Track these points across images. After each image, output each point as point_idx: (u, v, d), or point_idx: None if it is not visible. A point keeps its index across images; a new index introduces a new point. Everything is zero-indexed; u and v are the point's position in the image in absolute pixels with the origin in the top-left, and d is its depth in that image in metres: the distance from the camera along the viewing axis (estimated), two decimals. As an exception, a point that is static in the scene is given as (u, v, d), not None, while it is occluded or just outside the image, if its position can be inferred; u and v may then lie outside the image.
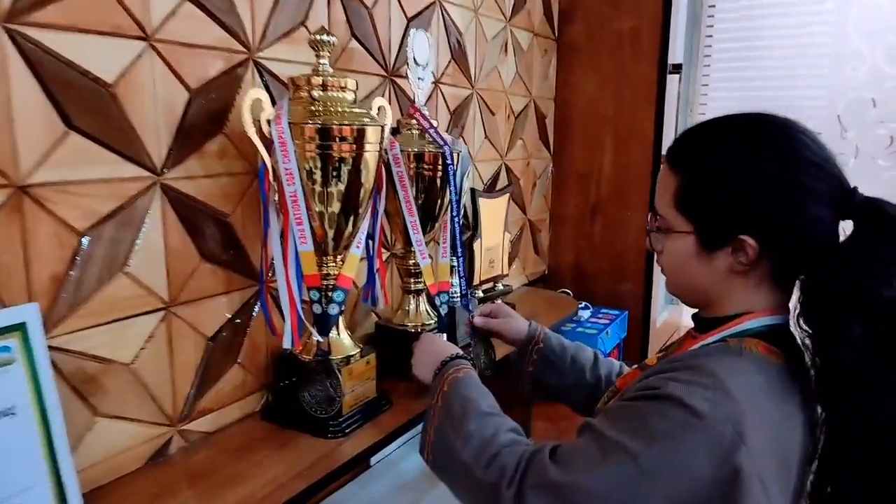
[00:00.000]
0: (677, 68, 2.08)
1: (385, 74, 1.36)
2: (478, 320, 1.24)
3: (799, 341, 0.76)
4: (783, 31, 2.17)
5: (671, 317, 2.45)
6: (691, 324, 0.88)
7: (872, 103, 2.07)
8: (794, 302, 0.78)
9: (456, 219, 1.20)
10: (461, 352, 1.03)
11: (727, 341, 0.76)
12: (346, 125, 1.00)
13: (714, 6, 2.27)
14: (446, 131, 1.57)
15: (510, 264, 1.97)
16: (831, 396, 0.72)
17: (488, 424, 0.83)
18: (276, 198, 1.02)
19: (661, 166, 0.83)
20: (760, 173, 0.74)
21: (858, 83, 2.10)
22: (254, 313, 1.11)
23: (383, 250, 1.42)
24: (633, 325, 2.16)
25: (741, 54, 2.26)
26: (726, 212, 0.76)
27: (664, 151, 0.84)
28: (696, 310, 0.86)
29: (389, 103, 1.37)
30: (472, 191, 1.69)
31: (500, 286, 1.82)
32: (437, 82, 1.55)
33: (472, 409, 0.86)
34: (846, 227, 0.75)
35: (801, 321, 0.75)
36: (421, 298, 1.35)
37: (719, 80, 2.31)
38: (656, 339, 2.20)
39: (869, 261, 0.70)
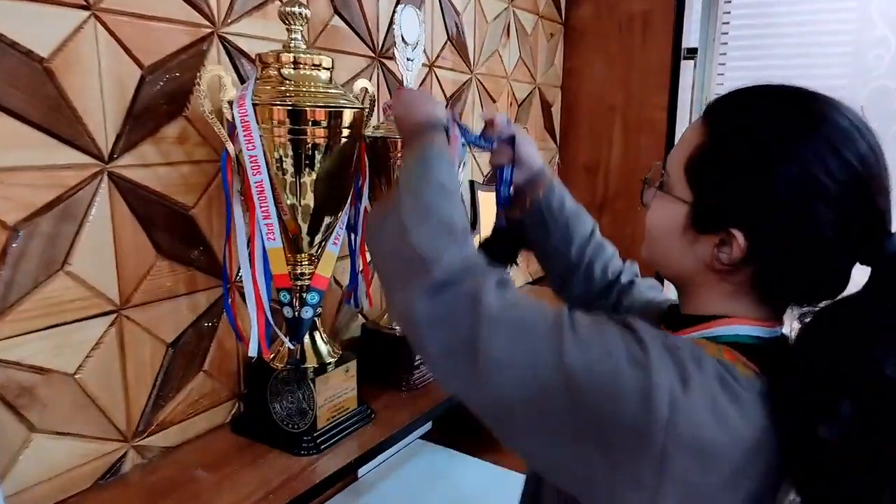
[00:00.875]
0: (692, 53, 1.95)
1: (373, 55, 1.26)
2: (499, 118, 0.91)
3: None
4: (804, 16, 2.04)
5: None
6: None
7: (896, 92, 1.94)
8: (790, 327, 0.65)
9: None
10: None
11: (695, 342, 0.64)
12: (321, 107, 0.89)
13: (731, -11, 2.14)
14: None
15: (512, 261, 1.86)
16: (800, 473, 0.58)
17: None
18: (241, 188, 0.91)
19: (695, 121, 0.69)
20: (788, 166, 0.59)
21: (882, 72, 1.96)
22: (223, 316, 1.00)
23: (371, 246, 1.32)
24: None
25: (759, 41, 2.12)
26: (731, 195, 0.62)
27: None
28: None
29: (378, 86, 1.27)
30: (471, 183, 1.58)
31: (500, 285, 1.71)
32: (431, 66, 1.44)
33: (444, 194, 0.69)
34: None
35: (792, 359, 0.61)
36: (411, 299, 1.24)
37: (735, 68, 2.18)
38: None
39: (879, 328, 0.56)
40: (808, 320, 0.62)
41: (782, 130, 0.61)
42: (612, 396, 0.54)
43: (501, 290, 0.60)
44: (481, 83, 1.65)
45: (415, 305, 0.60)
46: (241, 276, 0.92)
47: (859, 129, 0.61)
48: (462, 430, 1.56)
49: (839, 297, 0.62)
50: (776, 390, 0.60)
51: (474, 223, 1.58)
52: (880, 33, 1.97)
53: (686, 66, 1.96)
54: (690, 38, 1.99)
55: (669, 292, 0.84)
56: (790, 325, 0.66)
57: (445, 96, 1.51)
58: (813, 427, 0.56)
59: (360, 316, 1.30)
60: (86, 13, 0.78)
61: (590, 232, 0.95)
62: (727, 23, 2.16)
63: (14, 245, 0.74)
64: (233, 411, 1.05)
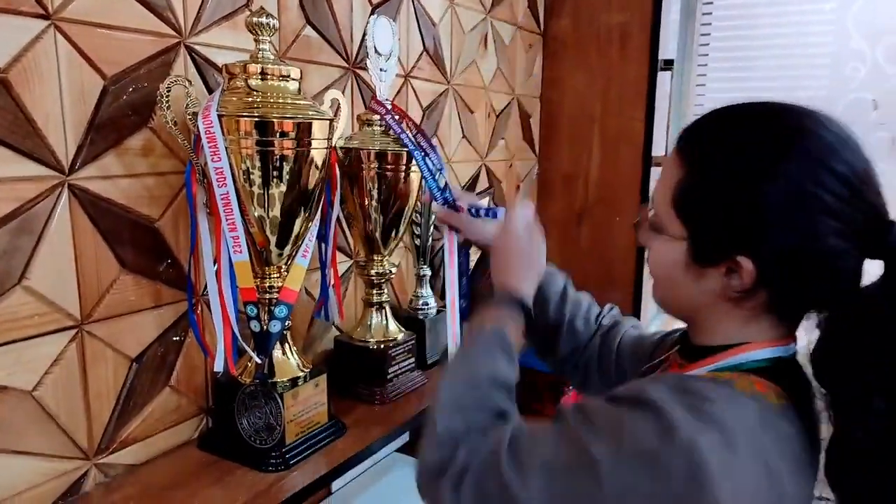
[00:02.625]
0: (669, 64, 1.96)
1: (346, 66, 1.25)
2: (436, 207, 1.00)
3: (812, 380, 0.63)
4: (782, 28, 2.07)
5: (662, 327, 2.34)
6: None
7: (873, 105, 1.96)
8: (807, 338, 0.65)
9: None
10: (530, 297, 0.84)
11: (717, 374, 0.63)
12: (289, 118, 0.88)
13: (711, 1, 2.15)
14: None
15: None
16: (839, 476, 0.58)
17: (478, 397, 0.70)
18: (207, 201, 0.90)
19: (670, 153, 0.68)
20: (776, 185, 0.58)
21: (858, 84, 1.99)
22: (190, 330, 0.99)
23: (345, 258, 1.31)
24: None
25: (738, 53, 2.14)
26: (726, 223, 0.61)
27: (654, 153, 0.72)
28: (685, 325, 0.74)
29: (352, 98, 1.26)
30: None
31: (478, 295, 1.70)
32: (407, 76, 1.43)
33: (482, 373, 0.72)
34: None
35: (815, 370, 0.61)
36: (385, 311, 1.23)
37: (715, 80, 2.19)
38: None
39: None
40: (827, 325, 0.62)
41: (762, 150, 0.60)
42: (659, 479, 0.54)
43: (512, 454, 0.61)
44: (458, 94, 1.65)
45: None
46: (207, 290, 0.91)
47: (840, 136, 0.61)
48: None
49: (855, 296, 0.61)
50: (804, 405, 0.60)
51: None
52: (857, 46, 1.99)
53: (663, 78, 1.98)
54: (668, 50, 2.00)
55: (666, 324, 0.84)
56: (805, 335, 0.66)
57: (422, 107, 1.51)
58: (849, 431, 0.56)
59: (333, 328, 1.29)
60: (45, 22, 0.77)
61: (562, 289, 0.96)
62: (707, 34, 2.18)
63: (-32, 259, 0.72)
64: (200, 427, 1.03)
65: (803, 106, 0.63)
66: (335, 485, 1.35)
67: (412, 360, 1.24)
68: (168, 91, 0.85)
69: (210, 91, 0.97)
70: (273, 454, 0.94)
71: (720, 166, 0.62)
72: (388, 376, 1.18)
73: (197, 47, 0.95)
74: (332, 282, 1.11)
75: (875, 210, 0.60)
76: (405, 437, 1.54)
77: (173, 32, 0.91)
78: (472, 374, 0.71)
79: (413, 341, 1.24)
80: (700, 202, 0.64)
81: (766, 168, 0.59)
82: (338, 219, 1.11)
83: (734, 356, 0.64)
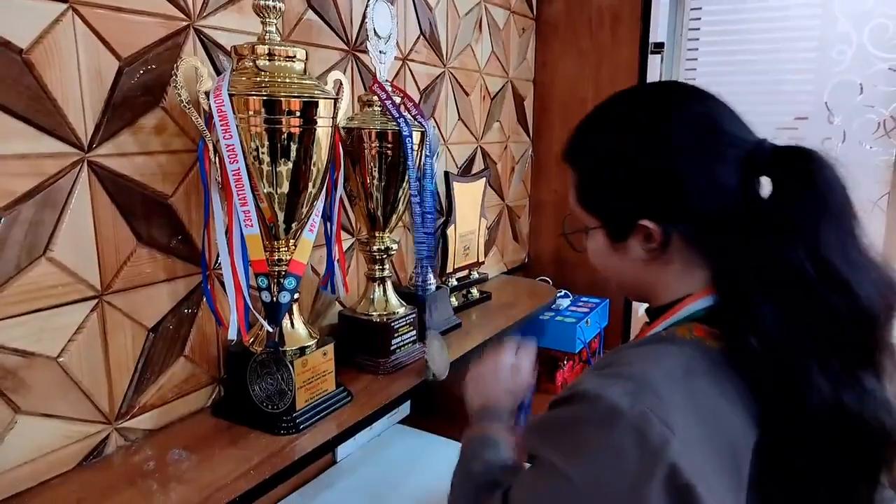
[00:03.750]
0: (659, 47, 2.01)
1: (347, 49, 1.29)
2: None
3: None
4: (770, 12, 2.11)
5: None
6: None
7: (860, 88, 2.01)
8: None
9: (416, 200, 1.13)
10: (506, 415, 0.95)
11: (667, 330, 0.70)
12: (295, 97, 0.92)
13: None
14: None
15: (487, 252, 1.91)
16: (757, 386, 0.63)
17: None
18: (219, 177, 0.94)
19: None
20: (639, 152, 0.69)
21: (845, 67, 2.04)
22: (202, 302, 1.03)
23: (347, 236, 1.36)
24: (615, 314, 2.10)
25: (728, 37, 2.19)
26: (618, 200, 0.72)
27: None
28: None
29: (352, 80, 1.30)
30: (446, 174, 1.61)
31: (475, 274, 1.75)
32: (404, 59, 1.47)
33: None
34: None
35: (719, 291, 0.68)
36: (387, 286, 1.28)
37: (706, 63, 2.24)
38: (639, 327, 2.14)
39: (784, 221, 0.63)
40: (726, 248, 0.69)
41: (619, 126, 0.72)
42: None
43: None
44: (454, 77, 1.69)
45: None
46: (220, 263, 0.95)
47: (680, 89, 0.73)
48: (439, 414, 1.60)
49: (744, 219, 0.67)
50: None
51: (449, 213, 1.62)
52: (843, 29, 2.04)
53: (654, 61, 2.02)
54: (658, 33, 2.04)
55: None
56: None
57: (419, 90, 1.55)
58: (745, 340, 0.62)
59: (337, 304, 1.33)
60: (63, 5, 0.80)
61: None
62: (698, 18, 2.22)
63: (-3, 231, 0.76)
64: (213, 396, 1.07)
65: (648, 83, 0.75)
66: (340, 454, 1.40)
67: (413, 332, 1.29)
68: (178, 70, 0.88)
69: (218, 72, 1.01)
70: (284, 418, 0.99)
71: (596, 154, 0.74)
72: (391, 348, 1.23)
73: (205, 30, 0.99)
74: (338, 257, 1.15)
75: (736, 137, 0.68)
76: (406, 410, 1.60)
77: (183, 16, 0.95)
78: (466, 475, 0.86)
79: (414, 315, 1.29)
80: (594, 190, 0.75)
81: (624, 142, 0.70)
82: (340, 197, 1.15)
83: (680, 311, 0.71)
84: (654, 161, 0.68)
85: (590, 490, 0.60)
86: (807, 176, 0.64)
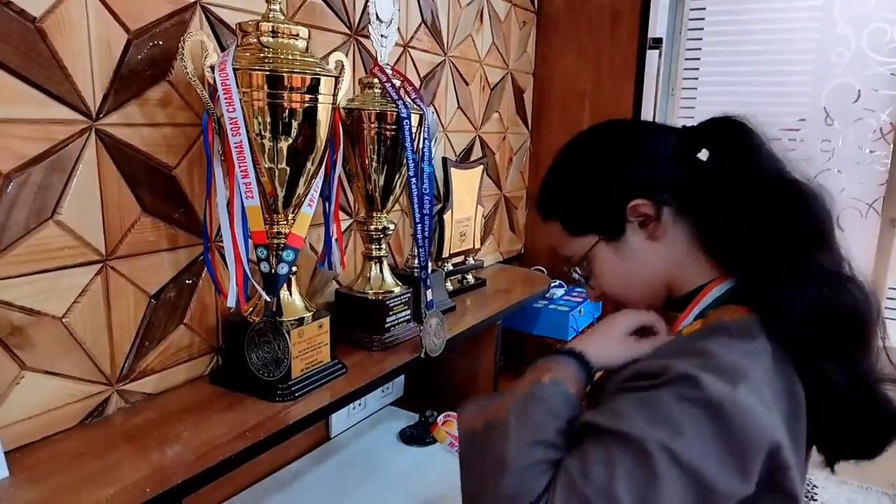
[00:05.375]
0: (657, 43, 2.04)
1: (349, 33, 1.32)
2: None
3: None
4: (770, 14, 2.13)
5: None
6: None
7: (857, 91, 2.03)
8: None
9: (413, 179, 1.16)
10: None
11: (708, 316, 0.74)
12: (297, 73, 0.95)
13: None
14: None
15: (483, 240, 1.94)
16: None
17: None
18: (222, 150, 0.97)
19: (540, 221, 0.88)
20: (599, 164, 0.81)
21: (843, 69, 2.06)
22: (203, 273, 1.06)
23: (346, 217, 1.39)
24: (607, 305, 2.13)
25: (729, 37, 2.21)
26: (600, 205, 0.80)
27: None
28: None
29: (353, 63, 1.33)
30: (444, 160, 1.65)
31: (471, 260, 1.78)
32: (406, 46, 1.50)
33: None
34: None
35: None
36: (383, 265, 1.31)
37: (707, 62, 2.26)
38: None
39: (726, 170, 0.74)
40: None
41: (580, 152, 0.85)
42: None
43: None
44: (455, 66, 1.72)
45: None
46: (220, 235, 0.98)
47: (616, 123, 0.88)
48: (432, 397, 1.64)
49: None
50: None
51: (447, 198, 1.65)
52: (842, 32, 2.06)
53: (652, 56, 2.05)
54: (657, 29, 2.07)
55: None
56: None
57: (419, 76, 1.58)
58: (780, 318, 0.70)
59: (334, 283, 1.37)
60: (76, -22, 0.84)
61: None
62: (701, 18, 2.24)
63: (7, 192, 0.79)
64: (211, 364, 1.11)
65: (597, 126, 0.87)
66: (334, 430, 1.44)
67: (408, 311, 1.32)
68: (185, 43, 0.91)
69: (223, 49, 1.04)
70: (280, 386, 1.02)
71: (566, 190, 0.83)
72: (386, 325, 1.26)
73: (211, 7, 1.02)
74: (335, 235, 1.18)
75: (672, 127, 0.83)
76: (401, 391, 1.63)
77: (190, -7, 0.98)
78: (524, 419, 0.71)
79: (409, 294, 1.32)
80: (578, 213, 0.82)
81: (591, 154, 0.83)
82: (339, 177, 1.18)
83: (705, 297, 0.76)
84: (612, 163, 0.80)
85: (696, 465, 0.59)
86: (732, 133, 0.76)
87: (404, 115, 1.16)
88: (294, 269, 1.05)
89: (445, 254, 1.67)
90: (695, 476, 0.59)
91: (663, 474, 0.59)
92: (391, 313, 1.28)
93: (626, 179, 0.79)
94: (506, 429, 0.69)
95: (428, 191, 1.22)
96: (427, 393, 1.66)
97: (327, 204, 1.17)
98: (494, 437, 0.70)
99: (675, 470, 0.59)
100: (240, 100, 0.92)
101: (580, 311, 1.91)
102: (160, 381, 1.02)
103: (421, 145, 1.24)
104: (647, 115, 2.06)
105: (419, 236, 1.21)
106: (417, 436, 1.48)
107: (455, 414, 1.52)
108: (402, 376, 1.65)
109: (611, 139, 0.83)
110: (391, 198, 1.28)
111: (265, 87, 0.94)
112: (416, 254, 1.25)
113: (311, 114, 0.98)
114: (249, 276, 0.98)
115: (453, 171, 1.67)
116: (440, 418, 1.52)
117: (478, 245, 1.82)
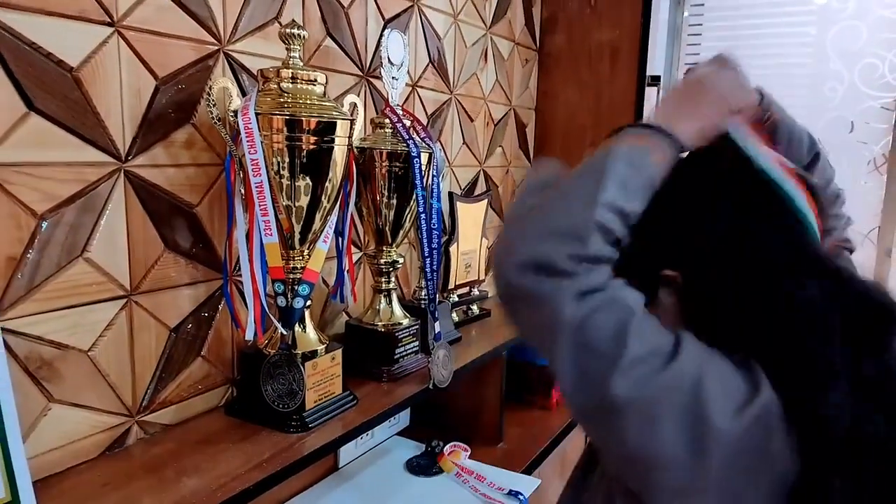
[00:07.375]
0: (655, 80, 2.10)
1: (360, 74, 1.37)
2: None
3: None
4: (765, 50, 2.20)
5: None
6: None
7: (850, 124, 2.09)
8: None
9: (422, 215, 1.20)
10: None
11: None
12: (315, 117, 1.00)
13: (700, 24, 2.29)
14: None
15: (487, 271, 1.97)
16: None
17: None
18: (243, 189, 1.02)
19: None
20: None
21: (837, 103, 2.12)
22: (220, 307, 1.10)
23: (356, 250, 1.43)
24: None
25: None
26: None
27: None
28: None
29: (365, 103, 1.39)
30: (450, 194, 1.69)
31: (476, 291, 1.82)
32: (414, 85, 1.56)
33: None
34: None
35: None
36: (392, 297, 1.35)
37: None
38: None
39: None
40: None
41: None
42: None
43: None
44: (460, 103, 1.77)
45: (562, 308, 0.58)
46: (239, 270, 1.02)
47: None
48: (437, 427, 1.66)
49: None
50: None
51: (452, 232, 1.69)
52: (834, 67, 2.13)
53: (650, 93, 2.11)
54: (655, 67, 2.14)
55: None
56: None
57: (427, 114, 1.63)
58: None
59: (344, 314, 1.40)
60: (110, 29, 0.89)
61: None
62: (697, 54, 2.32)
63: (42, 232, 0.83)
64: (226, 396, 1.14)
65: None
66: (342, 460, 1.46)
67: (416, 343, 1.36)
68: (211, 89, 0.97)
69: (243, 92, 1.09)
70: (294, 417, 1.05)
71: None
72: (395, 356, 1.29)
73: (233, 54, 1.07)
74: (347, 268, 1.22)
75: None
76: (407, 421, 1.65)
77: (214, 41, 1.04)
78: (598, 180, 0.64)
79: (417, 326, 1.36)
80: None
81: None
82: (351, 213, 1.23)
83: None
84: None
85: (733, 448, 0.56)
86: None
87: (414, 154, 1.21)
88: (308, 302, 1.09)
89: (451, 285, 1.70)
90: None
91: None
92: (400, 345, 1.31)
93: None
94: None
95: (436, 226, 1.26)
96: (432, 423, 1.69)
97: (340, 239, 1.21)
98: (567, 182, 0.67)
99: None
100: (261, 142, 0.96)
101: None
102: (177, 413, 1.05)
103: (430, 182, 1.28)
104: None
105: (428, 270, 1.25)
106: (424, 466, 1.50)
107: (461, 444, 1.54)
108: (409, 407, 1.67)
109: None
110: (401, 232, 1.32)
111: (284, 129, 0.99)
112: (423, 286, 1.29)
113: (327, 154, 1.03)
114: (266, 309, 1.02)
115: (459, 205, 1.71)
116: (446, 448, 1.54)
117: (482, 276, 1.85)
